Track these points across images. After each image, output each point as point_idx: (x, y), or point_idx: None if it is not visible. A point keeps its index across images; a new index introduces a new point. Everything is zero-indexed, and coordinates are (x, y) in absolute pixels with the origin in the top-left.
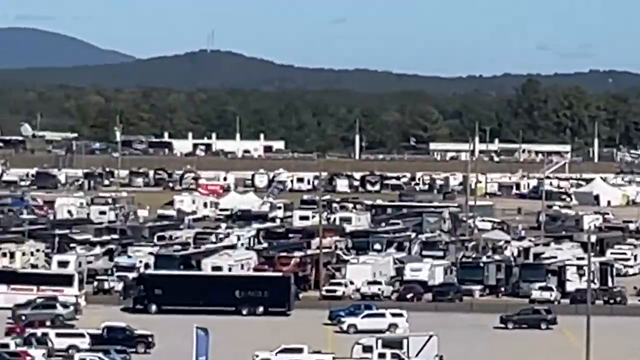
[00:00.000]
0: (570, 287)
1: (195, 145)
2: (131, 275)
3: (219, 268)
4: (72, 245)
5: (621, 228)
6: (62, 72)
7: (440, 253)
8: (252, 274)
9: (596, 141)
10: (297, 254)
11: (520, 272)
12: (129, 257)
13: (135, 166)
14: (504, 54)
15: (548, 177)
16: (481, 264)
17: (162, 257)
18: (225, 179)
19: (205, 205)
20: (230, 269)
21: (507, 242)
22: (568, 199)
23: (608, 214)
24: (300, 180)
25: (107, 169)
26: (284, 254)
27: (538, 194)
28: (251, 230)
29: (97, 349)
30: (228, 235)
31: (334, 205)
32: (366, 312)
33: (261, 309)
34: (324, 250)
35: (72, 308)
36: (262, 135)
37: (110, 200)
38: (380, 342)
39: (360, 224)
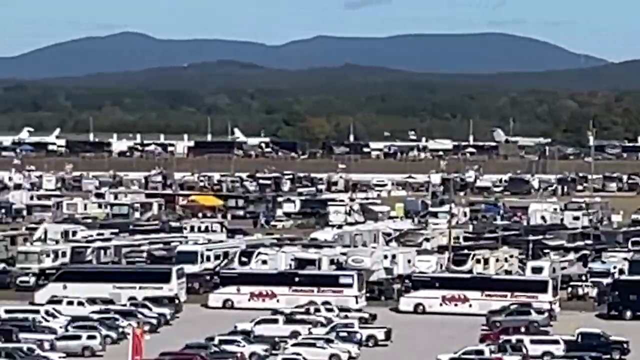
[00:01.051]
0: None
1: None
2: (605, 281)
3: None
4: (545, 251)
5: None
6: (533, 77)
7: None
8: None
9: None
10: None
11: None
12: (603, 262)
13: (609, 171)
14: None
15: None
16: None
17: (637, 263)
18: None
19: None
20: None
21: None
22: None
23: None
24: None
25: (580, 174)
26: None
27: None
28: None
29: (571, 356)
30: None
31: None
32: None
33: None
34: None
35: (546, 314)
36: None
37: (583, 206)
38: None
39: None
